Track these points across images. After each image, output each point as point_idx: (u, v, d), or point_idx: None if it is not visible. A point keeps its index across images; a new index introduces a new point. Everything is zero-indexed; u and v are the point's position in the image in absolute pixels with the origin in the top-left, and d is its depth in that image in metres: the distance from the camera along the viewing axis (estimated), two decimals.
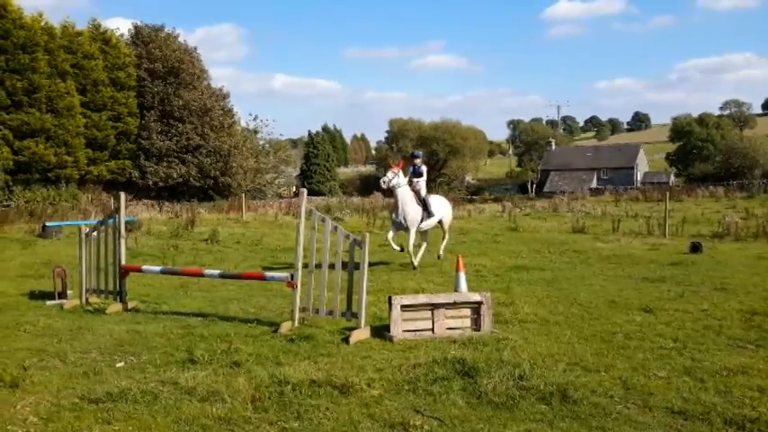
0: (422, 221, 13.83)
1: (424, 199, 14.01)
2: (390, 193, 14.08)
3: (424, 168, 14.41)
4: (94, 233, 10.15)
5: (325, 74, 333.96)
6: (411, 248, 13.56)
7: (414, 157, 14.78)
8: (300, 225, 8.51)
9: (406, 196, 13.53)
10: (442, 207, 14.85)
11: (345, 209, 34.42)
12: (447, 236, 15.25)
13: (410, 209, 13.53)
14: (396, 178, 13.29)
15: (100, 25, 48.42)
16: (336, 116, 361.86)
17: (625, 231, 21.15)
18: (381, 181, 13.41)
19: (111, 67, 46.38)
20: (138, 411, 5.23)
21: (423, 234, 14.66)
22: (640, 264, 14.10)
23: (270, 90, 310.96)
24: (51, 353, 7.11)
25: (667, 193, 25.77)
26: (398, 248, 13.60)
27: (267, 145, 61.53)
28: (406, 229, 13.61)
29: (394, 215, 13.76)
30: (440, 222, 14.76)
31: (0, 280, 12.29)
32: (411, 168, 14.42)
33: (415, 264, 13.64)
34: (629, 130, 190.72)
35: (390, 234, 13.80)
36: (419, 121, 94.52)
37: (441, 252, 14.77)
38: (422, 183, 14.27)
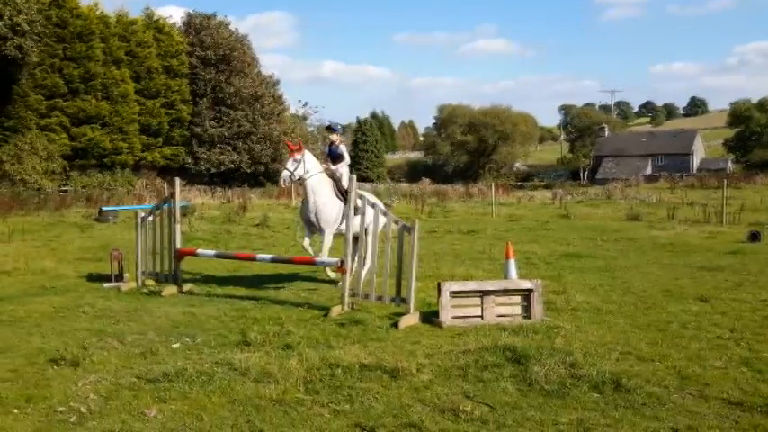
0: (343, 220, 9.54)
1: (347, 190, 9.43)
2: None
3: (343, 148, 10.62)
4: (150, 218, 10.38)
5: (375, 60, 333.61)
6: (326, 254, 9.88)
7: (330, 130, 10.93)
8: (350, 211, 8.57)
9: (320, 186, 9.98)
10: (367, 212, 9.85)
11: (394, 195, 34.49)
12: (370, 255, 9.66)
13: (325, 200, 9.98)
14: (300, 167, 9.82)
15: (153, 13, 49.41)
16: (385, 102, 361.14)
17: (681, 219, 20.69)
18: (281, 179, 10.21)
19: (165, 55, 47.26)
20: (194, 391, 5.35)
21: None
22: (697, 252, 13.78)
23: (319, 77, 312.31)
24: (110, 333, 7.32)
25: (725, 181, 25.11)
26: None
27: (316, 131, 62.00)
28: (321, 231, 10.07)
29: (305, 210, 10.22)
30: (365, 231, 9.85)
31: (59, 263, 12.68)
32: (327, 149, 10.87)
33: (333, 276, 10.20)
34: (685, 116, 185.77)
35: (306, 241, 10.19)
36: (468, 107, 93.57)
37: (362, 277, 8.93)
38: (343, 169, 10.41)
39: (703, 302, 8.70)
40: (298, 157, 9.87)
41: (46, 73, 39.34)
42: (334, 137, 10.61)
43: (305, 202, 10.16)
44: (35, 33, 33.34)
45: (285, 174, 9.93)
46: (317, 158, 10.53)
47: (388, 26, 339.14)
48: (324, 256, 9.63)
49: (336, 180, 10.22)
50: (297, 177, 9.87)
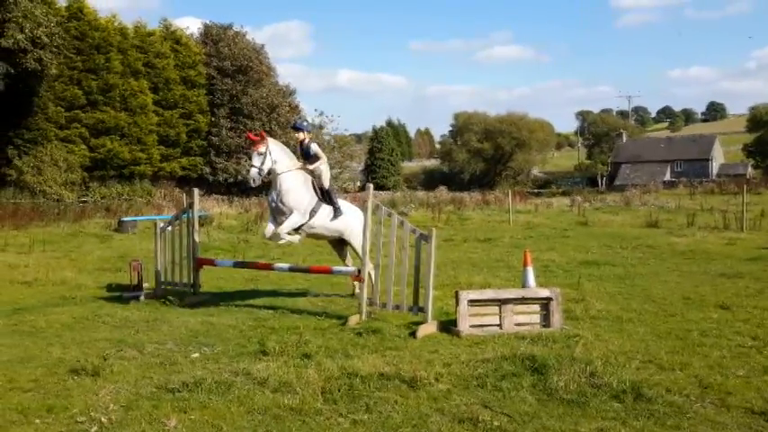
0: (316, 212, 9.20)
1: (328, 190, 9.45)
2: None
3: (315, 147, 9.48)
4: (169, 228, 10.46)
5: (391, 68, 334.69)
6: (284, 232, 9.11)
7: (295, 129, 9.79)
8: (367, 219, 8.58)
9: (294, 181, 9.07)
10: (349, 215, 9.74)
11: (410, 203, 34.46)
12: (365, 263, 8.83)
13: (291, 185, 9.05)
14: (267, 159, 8.84)
15: (170, 25, 49.85)
16: (401, 110, 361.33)
17: (700, 226, 20.49)
18: (250, 179, 9.02)
19: (182, 66, 47.63)
20: (213, 401, 5.37)
21: (337, 246, 10.23)
22: (717, 259, 13.64)
23: (335, 86, 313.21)
24: (129, 343, 7.37)
25: (744, 186, 24.91)
26: (297, 238, 9.45)
27: (332, 140, 62.19)
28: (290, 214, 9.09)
29: (271, 197, 9.36)
30: (342, 241, 9.97)
31: (79, 273, 12.80)
32: (299, 149, 9.70)
33: (291, 239, 9.35)
34: (703, 121, 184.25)
35: (269, 228, 9.36)
36: (484, 114, 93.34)
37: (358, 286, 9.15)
38: (323, 166, 9.45)
39: (724, 310, 8.61)
40: (261, 149, 8.84)
41: (65, 85, 39.78)
42: (300, 136, 9.56)
43: (272, 189, 9.24)
44: (54, 46, 33.71)
45: (253, 172, 8.87)
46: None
47: (403, 34, 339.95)
48: (282, 231, 8.99)
49: (316, 177, 9.39)
50: (266, 172, 8.91)
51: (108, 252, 16.42)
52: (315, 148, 9.48)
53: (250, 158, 9.08)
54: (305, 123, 9.97)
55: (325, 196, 9.38)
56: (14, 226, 22.22)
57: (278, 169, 8.95)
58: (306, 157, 9.50)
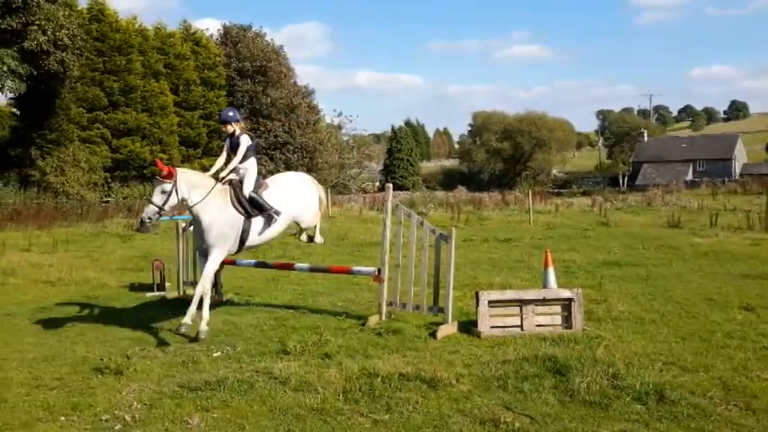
0: (248, 232, 8.08)
1: (251, 198, 8.05)
2: None
3: (245, 141, 8.21)
4: (190, 228, 10.51)
5: (409, 69, 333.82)
6: (202, 282, 7.85)
7: (223, 123, 8.41)
8: (387, 220, 8.58)
9: (213, 213, 7.76)
10: (292, 196, 8.61)
11: (429, 203, 34.41)
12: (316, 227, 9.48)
13: (221, 224, 7.81)
14: (172, 197, 7.51)
15: (190, 26, 50.08)
16: (419, 110, 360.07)
17: (723, 226, 20.26)
18: (145, 216, 7.56)
19: (202, 67, 47.88)
20: (235, 400, 5.41)
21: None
22: (740, 260, 13.48)
23: (353, 86, 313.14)
24: (152, 342, 7.45)
25: None
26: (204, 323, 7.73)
27: (351, 140, 62.45)
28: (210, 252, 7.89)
29: (196, 231, 8.20)
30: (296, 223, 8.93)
31: (102, 273, 12.92)
32: (227, 141, 8.43)
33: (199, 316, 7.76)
34: (725, 120, 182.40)
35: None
36: (503, 114, 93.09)
37: (317, 237, 9.59)
38: (249, 165, 8.27)
39: (748, 311, 8.51)
40: (167, 186, 7.49)
41: (87, 86, 40.15)
42: (229, 129, 8.26)
43: (194, 223, 8.14)
44: (76, 48, 34.02)
45: (150, 210, 7.50)
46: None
47: (421, 34, 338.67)
48: (204, 280, 7.83)
49: (236, 185, 8.10)
50: (168, 210, 7.68)
51: (130, 252, 16.56)
52: (244, 141, 8.19)
53: (152, 193, 7.74)
54: (230, 114, 8.47)
55: (251, 206, 8.05)
56: (38, 226, 22.48)
57: (191, 202, 7.65)
58: (234, 150, 8.27)
